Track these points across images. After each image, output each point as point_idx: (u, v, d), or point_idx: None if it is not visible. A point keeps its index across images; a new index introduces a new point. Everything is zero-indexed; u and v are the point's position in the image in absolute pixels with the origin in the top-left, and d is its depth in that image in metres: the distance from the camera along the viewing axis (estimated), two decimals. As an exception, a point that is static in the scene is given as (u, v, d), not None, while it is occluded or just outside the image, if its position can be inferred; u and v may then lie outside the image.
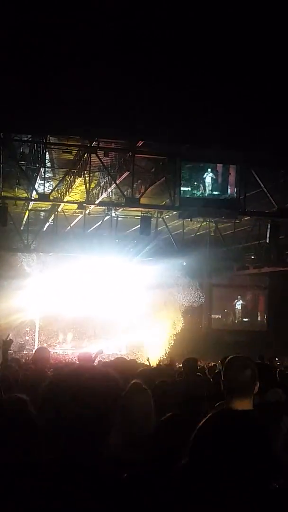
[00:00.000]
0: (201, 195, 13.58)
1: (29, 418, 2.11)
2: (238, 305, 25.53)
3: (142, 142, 12.69)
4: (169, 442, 2.42)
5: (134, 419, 2.71)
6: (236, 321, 25.49)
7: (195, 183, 13.50)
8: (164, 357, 18.27)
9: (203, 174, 13.53)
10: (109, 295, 22.08)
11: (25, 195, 16.26)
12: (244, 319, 25.66)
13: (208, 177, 13.51)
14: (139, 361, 9.64)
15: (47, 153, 13.45)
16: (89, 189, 14.57)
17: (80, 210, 15.77)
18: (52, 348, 18.62)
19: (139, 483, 2.29)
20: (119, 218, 17.87)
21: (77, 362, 6.96)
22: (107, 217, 16.93)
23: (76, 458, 1.96)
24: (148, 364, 9.08)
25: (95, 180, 15.68)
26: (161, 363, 13.31)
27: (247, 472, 2.42)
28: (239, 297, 25.52)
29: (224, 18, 9.10)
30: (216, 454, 2.41)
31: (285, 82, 9.95)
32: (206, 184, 13.53)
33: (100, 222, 17.13)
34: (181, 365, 7.54)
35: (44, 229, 18.08)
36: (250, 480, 2.41)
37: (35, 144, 13.39)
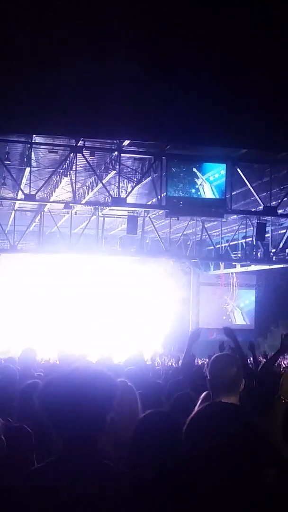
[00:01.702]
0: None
1: None
2: (238, 310, 25.50)
3: (128, 142, 12.68)
4: (148, 438, 2.44)
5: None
6: (229, 320, 25.50)
7: (190, 189, 13.51)
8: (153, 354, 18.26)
9: (196, 181, 13.53)
10: (96, 294, 22.06)
11: (11, 195, 16.18)
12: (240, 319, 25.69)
13: (206, 185, 13.52)
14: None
15: (32, 153, 13.39)
16: (75, 189, 14.54)
17: (66, 210, 15.74)
18: (39, 349, 18.51)
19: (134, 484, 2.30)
20: (105, 218, 17.86)
21: (58, 362, 6.93)
22: (93, 217, 16.91)
23: (74, 459, 1.95)
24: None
25: (82, 179, 15.65)
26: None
27: (238, 463, 2.43)
28: (235, 304, 25.43)
29: (213, 13, 9.11)
30: (208, 446, 2.43)
31: (270, 77, 9.99)
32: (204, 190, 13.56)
33: (86, 222, 17.10)
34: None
35: (31, 229, 18.01)
36: (241, 472, 2.43)
37: (21, 144, 13.33)
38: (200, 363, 9.93)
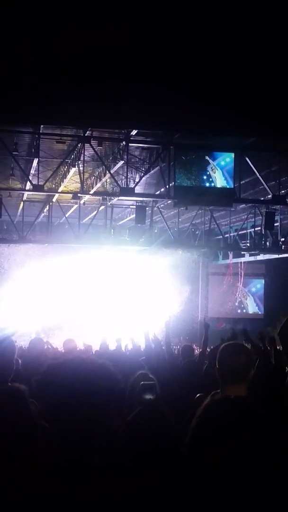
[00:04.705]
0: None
1: (27, 410, 2.05)
2: (250, 296, 25.48)
3: (136, 131, 12.63)
4: (140, 437, 2.38)
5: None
6: (242, 306, 25.51)
7: (200, 177, 13.42)
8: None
9: (207, 167, 13.43)
10: (103, 284, 22.12)
11: (19, 186, 16.21)
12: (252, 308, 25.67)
13: (217, 171, 13.42)
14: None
15: (40, 143, 13.38)
16: (83, 179, 14.53)
17: (75, 201, 15.74)
18: (48, 339, 18.63)
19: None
20: (114, 208, 17.84)
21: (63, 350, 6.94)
22: (102, 207, 16.90)
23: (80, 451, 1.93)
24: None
25: (90, 170, 15.63)
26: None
27: (245, 461, 2.44)
28: (245, 290, 25.39)
29: (219, 9, 9.03)
30: (215, 444, 2.42)
31: (276, 69, 9.90)
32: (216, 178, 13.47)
33: (95, 212, 17.10)
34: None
35: (39, 219, 18.03)
36: (249, 468, 2.43)
37: (29, 135, 13.32)
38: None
